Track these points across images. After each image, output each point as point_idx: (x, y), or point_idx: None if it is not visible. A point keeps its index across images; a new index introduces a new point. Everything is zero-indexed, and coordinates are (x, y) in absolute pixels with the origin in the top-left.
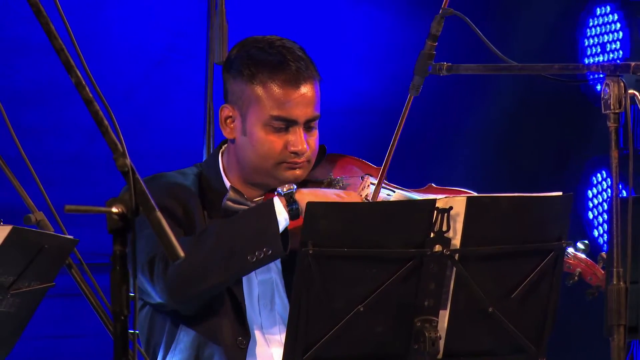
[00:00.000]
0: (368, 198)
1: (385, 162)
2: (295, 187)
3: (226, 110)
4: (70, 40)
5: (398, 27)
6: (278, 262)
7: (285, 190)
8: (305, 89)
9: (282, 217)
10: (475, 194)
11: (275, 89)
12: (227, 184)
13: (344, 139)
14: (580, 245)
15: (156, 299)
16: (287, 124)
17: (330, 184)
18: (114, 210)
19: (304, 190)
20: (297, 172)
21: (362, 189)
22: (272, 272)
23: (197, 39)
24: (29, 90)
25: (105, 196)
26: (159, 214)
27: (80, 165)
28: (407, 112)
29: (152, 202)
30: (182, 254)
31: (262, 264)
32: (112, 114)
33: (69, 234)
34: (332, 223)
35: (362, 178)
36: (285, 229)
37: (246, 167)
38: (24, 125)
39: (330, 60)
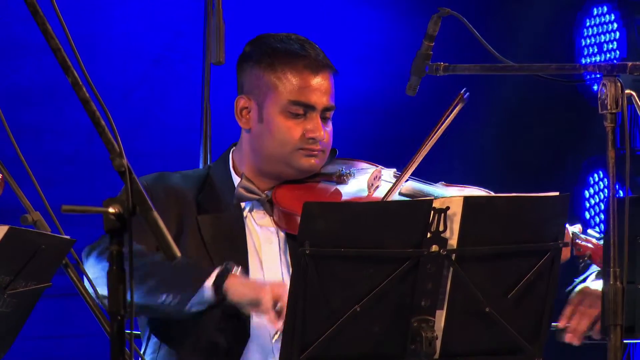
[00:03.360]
0: (378, 190)
1: (411, 162)
2: (236, 268)
3: (242, 101)
4: (67, 40)
5: (395, 27)
6: (287, 254)
7: (229, 266)
8: (323, 77)
9: (209, 283)
10: (488, 192)
11: (294, 75)
12: (236, 179)
13: (341, 138)
14: (591, 231)
15: None
16: (305, 109)
17: (340, 176)
18: (111, 210)
19: (240, 277)
20: (313, 160)
21: (374, 179)
22: (281, 264)
23: (194, 38)
24: (26, 90)
25: (103, 196)
26: (155, 213)
27: (78, 165)
28: (452, 118)
29: (149, 201)
30: (178, 253)
31: (164, 306)
32: (109, 113)
33: (66, 234)
34: (329, 223)
35: (374, 171)
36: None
37: (262, 156)
38: (22, 125)
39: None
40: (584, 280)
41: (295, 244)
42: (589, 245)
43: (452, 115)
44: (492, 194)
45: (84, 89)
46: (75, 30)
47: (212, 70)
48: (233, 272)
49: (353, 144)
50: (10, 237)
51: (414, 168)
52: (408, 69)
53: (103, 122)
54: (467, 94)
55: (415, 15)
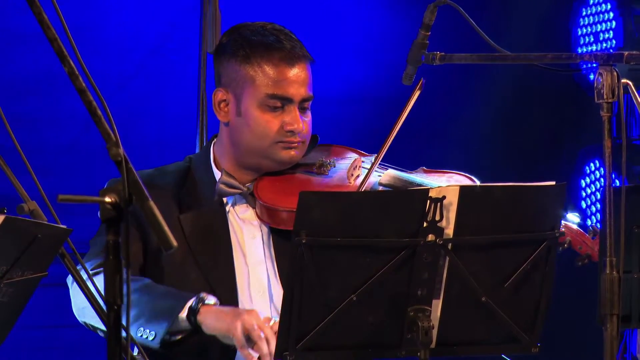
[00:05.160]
0: (358, 179)
1: (381, 149)
2: (210, 299)
3: (219, 94)
4: (63, 30)
5: (392, 17)
6: (271, 248)
7: (201, 295)
8: (300, 68)
9: (183, 317)
10: (469, 177)
11: (271, 68)
12: (217, 173)
13: (338, 127)
14: (570, 216)
15: None
16: (282, 102)
17: (321, 166)
18: (107, 199)
19: (213, 309)
20: (292, 152)
21: (353, 169)
22: (266, 259)
23: (190, 28)
24: (23, 80)
25: (99, 186)
26: (151, 203)
27: (75, 155)
28: (411, 106)
29: (145, 191)
30: (174, 243)
31: (143, 341)
32: (105, 103)
33: (63, 224)
34: (326, 212)
35: (354, 159)
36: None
37: (241, 149)
38: (18, 115)
39: (324, 50)
40: None
41: (279, 238)
42: (569, 231)
43: (412, 102)
44: (475, 180)
45: (81, 79)
46: (72, 20)
47: (208, 60)
48: (206, 303)
49: (348, 133)
50: (7, 227)
51: (383, 155)
52: (404, 58)
53: (99, 112)
54: (425, 80)
55: (412, 5)
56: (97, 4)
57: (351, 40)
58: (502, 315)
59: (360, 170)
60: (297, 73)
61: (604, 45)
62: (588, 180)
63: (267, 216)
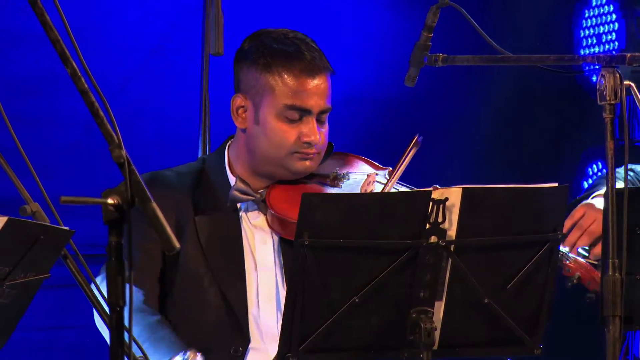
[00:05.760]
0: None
1: (397, 167)
2: (194, 356)
3: (238, 100)
4: (66, 31)
5: (394, 18)
6: (279, 255)
7: (186, 356)
8: (320, 80)
9: None
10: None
11: (291, 78)
12: (231, 178)
13: (338, 128)
14: (581, 251)
15: None
16: (301, 113)
17: (335, 178)
18: (110, 201)
19: None
20: (308, 163)
21: (367, 185)
22: (275, 266)
23: (192, 29)
24: (25, 81)
25: (102, 187)
26: (154, 204)
27: (76, 156)
28: (407, 162)
29: (148, 193)
30: (177, 245)
31: None
32: (108, 104)
33: (65, 225)
34: (328, 214)
35: (368, 175)
36: None
37: (257, 157)
38: (20, 116)
39: (326, 50)
40: (587, 197)
41: (288, 248)
42: (579, 266)
43: (408, 158)
44: None
45: (83, 80)
46: (73, 21)
47: (210, 61)
48: None
49: (350, 134)
50: (9, 228)
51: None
52: (407, 59)
53: (102, 113)
54: (421, 137)
55: (413, 5)
56: (98, 5)
57: (351, 40)
58: (505, 317)
59: (374, 186)
60: (317, 84)
61: (607, 47)
62: (590, 181)
63: (278, 225)
